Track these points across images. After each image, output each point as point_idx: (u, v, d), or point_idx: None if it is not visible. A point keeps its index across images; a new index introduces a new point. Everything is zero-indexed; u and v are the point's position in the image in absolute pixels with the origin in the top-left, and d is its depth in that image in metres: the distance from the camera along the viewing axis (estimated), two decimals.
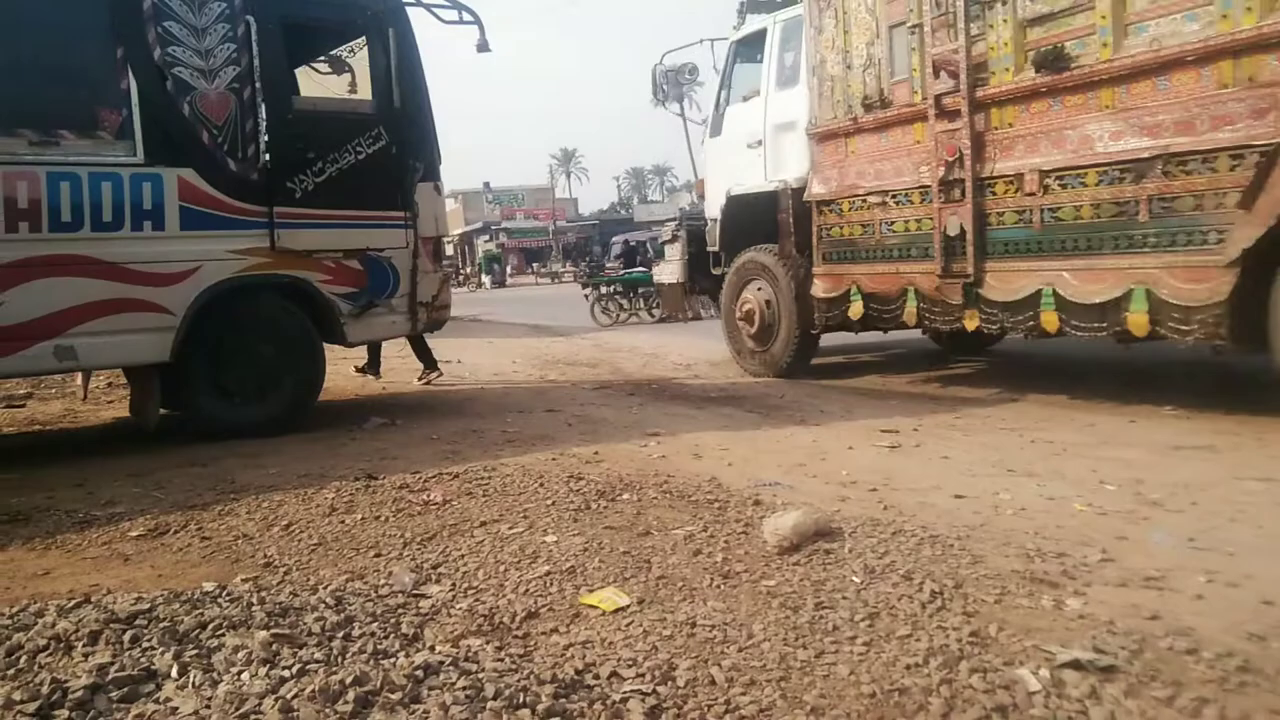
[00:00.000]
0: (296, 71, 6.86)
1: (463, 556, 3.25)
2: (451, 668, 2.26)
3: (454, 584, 2.99)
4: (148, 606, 2.69)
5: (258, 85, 5.79)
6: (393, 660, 2.34)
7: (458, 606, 2.77)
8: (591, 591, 2.86)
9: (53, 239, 5.23)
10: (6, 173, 5.09)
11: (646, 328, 14.67)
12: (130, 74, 5.44)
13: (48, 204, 5.19)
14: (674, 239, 9.99)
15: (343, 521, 3.80)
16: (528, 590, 2.89)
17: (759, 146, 8.15)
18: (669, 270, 10.02)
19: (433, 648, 2.45)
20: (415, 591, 2.92)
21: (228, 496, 4.30)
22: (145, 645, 2.43)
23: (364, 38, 6.44)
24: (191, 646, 2.42)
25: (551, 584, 2.94)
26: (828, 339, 8.06)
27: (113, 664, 2.30)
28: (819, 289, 7.30)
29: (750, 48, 8.48)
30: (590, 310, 16.33)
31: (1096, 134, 5.34)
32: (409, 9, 6.45)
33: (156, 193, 5.50)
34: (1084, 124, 5.40)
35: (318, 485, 4.38)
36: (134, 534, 3.78)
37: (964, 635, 2.40)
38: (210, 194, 5.67)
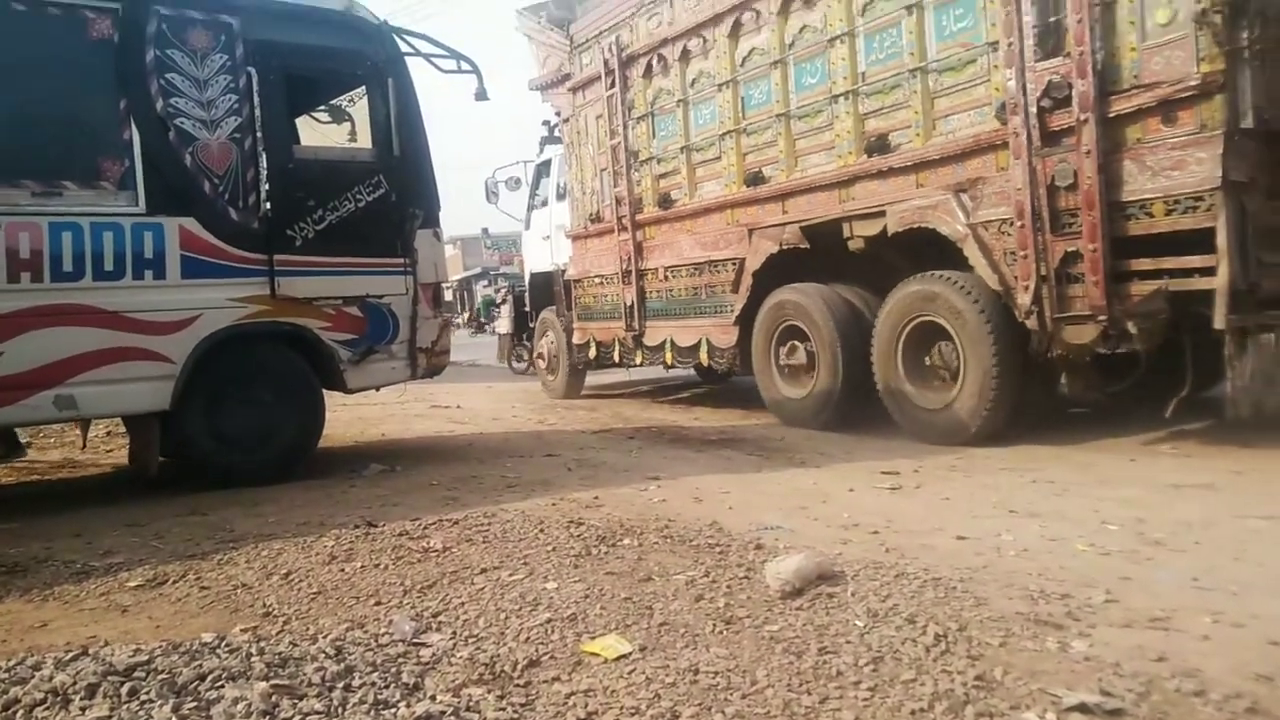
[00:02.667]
0: (297, 120, 6.94)
1: (463, 604, 3.23)
2: (453, 718, 2.24)
3: (455, 632, 2.96)
4: (146, 658, 2.67)
5: (259, 135, 5.85)
6: (394, 711, 2.32)
7: (459, 655, 2.75)
8: (593, 639, 2.83)
9: (54, 289, 5.25)
10: (9, 224, 5.12)
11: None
12: (133, 125, 5.50)
13: (49, 254, 5.22)
14: (505, 300, 13.67)
15: (342, 569, 3.78)
16: (529, 638, 2.86)
17: (547, 240, 11.55)
18: (503, 324, 13.80)
19: (434, 697, 2.42)
20: (416, 640, 2.89)
21: (227, 545, 4.27)
22: (144, 698, 2.40)
23: (364, 87, 6.52)
24: (190, 699, 2.40)
25: (553, 631, 2.91)
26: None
27: (110, 717, 2.28)
28: (576, 339, 10.27)
29: (543, 170, 11.94)
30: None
31: (686, 246, 8.47)
32: (408, 59, 6.54)
33: (158, 242, 5.53)
34: (681, 240, 8.55)
35: (317, 533, 4.36)
36: (132, 584, 3.76)
37: (969, 679, 2.38)
38: (211, 243, 5.70)
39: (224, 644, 2.84)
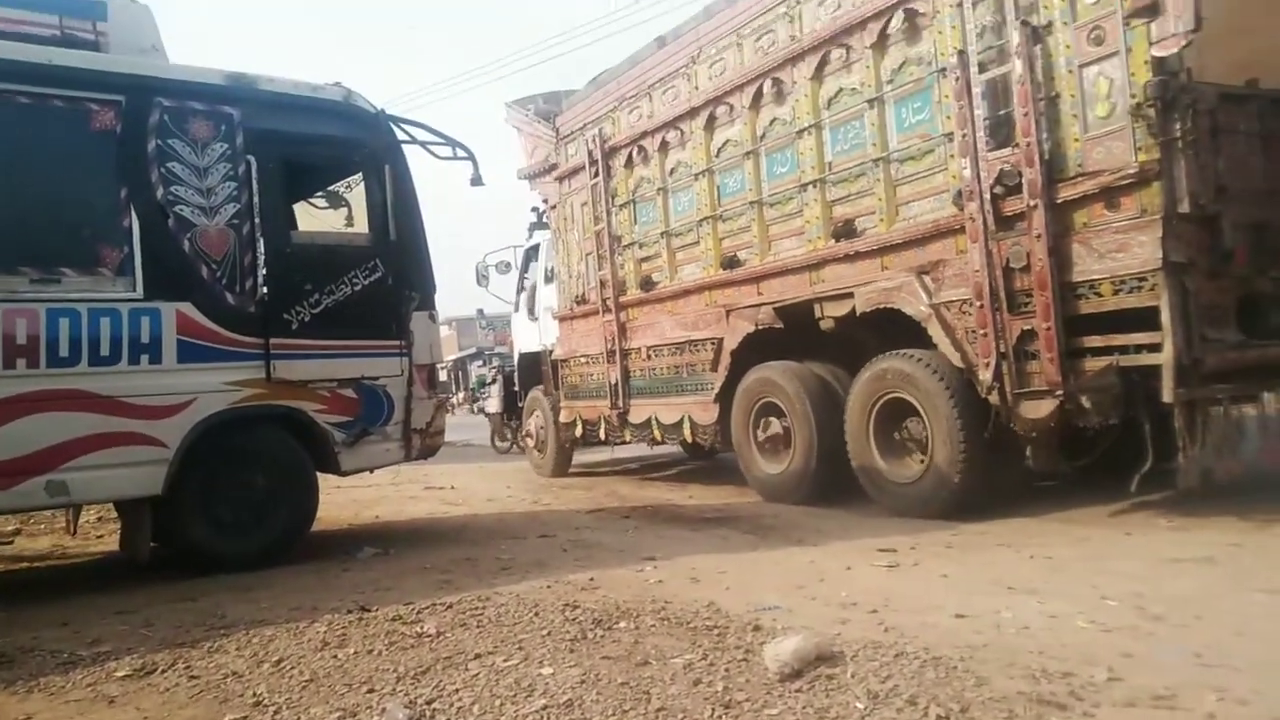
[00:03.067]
0: (295, 205, 7.04)
1: (457, 691, 3.18)
2: None
3: None
4: None
5: (257, 221, 5.94)
6: None
7: None
8: None
9: (50, 374, 5.26)
10: (6, 310, 5.16)
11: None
12: (133, 213, 5.58)
13: (46, 340, 5.25)
14: (494, 380, 13.96)
15: (335, 656, 3.73)
16: None
17: (535, 321, 11.87)
18: (492, 403, 13.99)
19: None
20: None
21: (217, 632, 4.21)
22: None
23: (361, 173, 6.64)
24: None
25: (549, 719, 2.87)
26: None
27: None
28: (563, 417, 10.44)
29: (531, 255, 12.26)
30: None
31: (667, 326, 8.76)
32: (405, 145, 6.68)
33: (155, 327, 5.57)
34: (662, 320, 8.84)
35: (310, 618, 4.31)
36: (120, 674, 3.69)
37: None
38: (208, 327, 5.75)
39: None
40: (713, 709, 2.85)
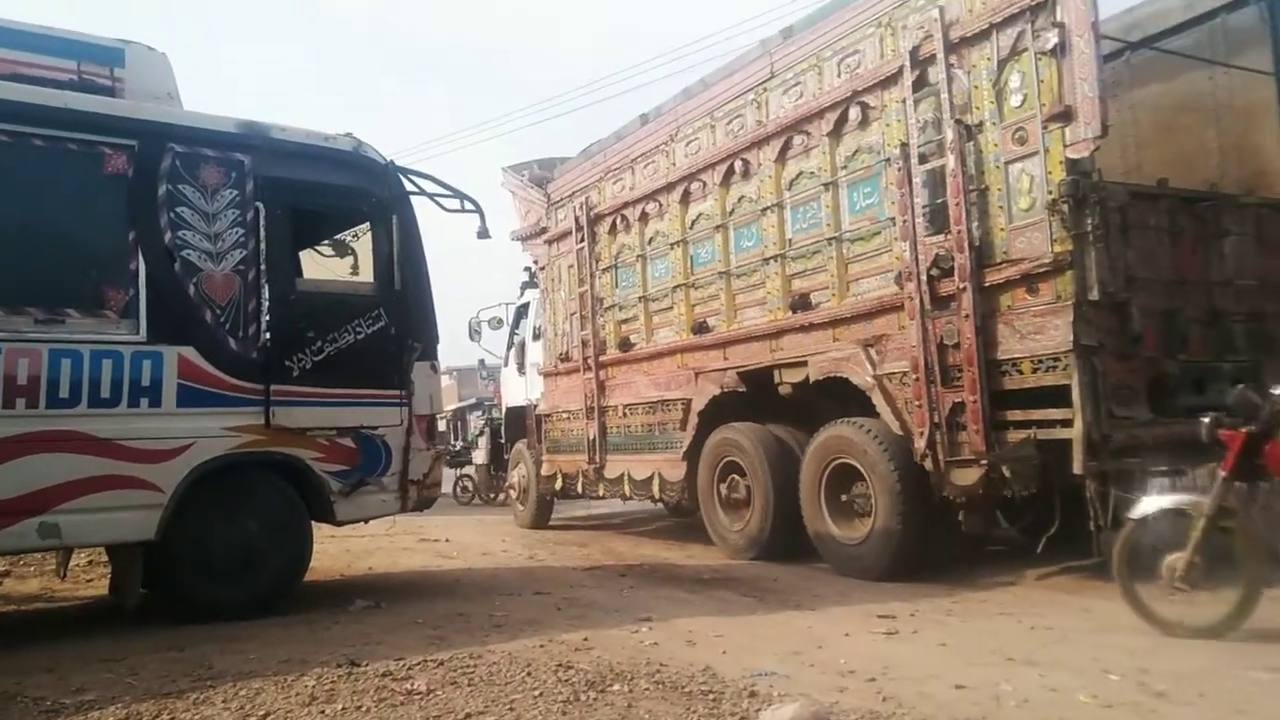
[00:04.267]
0: (301, 253, 7.08)
1: None
2: None
3: None
4: None
5: (262, 267, 5.97)
6: None
7: None
8: None
9: (48, 415, 5.24)
10: (9, 349, 5.16)
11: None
12: (140, 256, 5.60)
13: (46, 380, 5.24)
14: (482, 432, 14.43)
15: (323, 711, 3.66)
16: None
17: (523, 376, 12.27)
18: (480, 454, 14.50)
19: None
20: None
21: (204, 683, 4.14)
22: None
23: (369, 223, 6.68)
24: None
25: None
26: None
27: None
28: (544, 470, 10.78)
29: (522, 312, 12.73)
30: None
31: (642, 385, 9.15)
32: (413, 197, 6.73)
33: (156, 370, 5.56)
34: (638, 380, 9.24)
35: (298, 671, 4.24)
36: None
37: None
38: (209, 372, 5.74)
39: None
40: None
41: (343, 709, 3.67)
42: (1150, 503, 4.86)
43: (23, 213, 5.43)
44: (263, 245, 5.98)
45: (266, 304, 5.94)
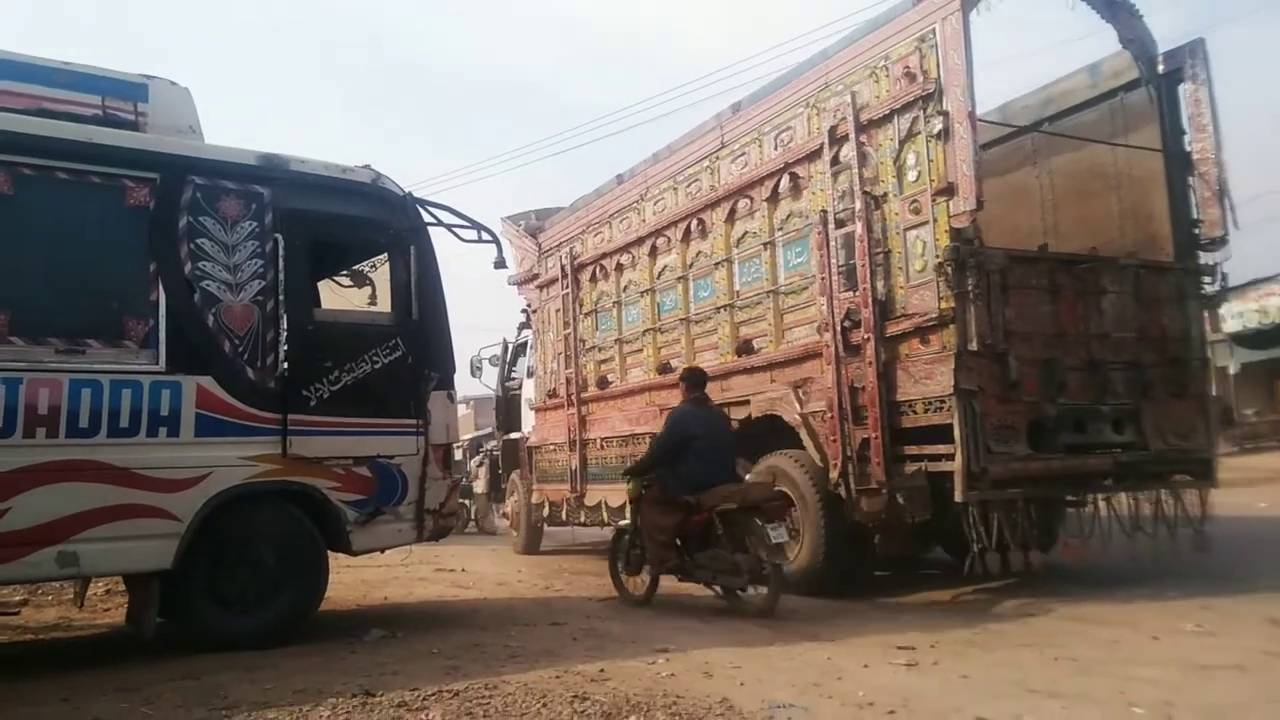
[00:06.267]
0: (319, 283, 7.13)
1: None
2: None
3: None
4: None
5: (281, 298, 6.00)
6: None
7: None
8: None
9: (67, 444, 5.27)
10: (30, 379, 5.21)
11: None
12: (160, 287, 5.65)
13: (67, 410, 5.27)
14: (482, 463, 14.94)
15: None
16: None
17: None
18: (480, 484, 14.95)
19: None
20: None
21: (220, 713, 4.13)
22: None
23: (387, 254, 6.73)
24: None
25: None
26: None
27: None
28: (534, 499, 11.70)
29: (520, 351, 13.56)
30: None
31: (617, 420, 10.02)
32: (431, 228, 6.78)
33: (175, 400, 5.59)
34: (613, 415, 10.12)
35: (314, 701, 4.22)
36: None
37: None
38: (227, 401, 5.76)
39: None
40: None
41: None
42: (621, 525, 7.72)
43: (46, 244, 5.49)
44: (281, 276, 6.03)
45: (285, 334, 5.97)
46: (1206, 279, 7.65)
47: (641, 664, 4.97)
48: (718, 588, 6.89)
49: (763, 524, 6.44)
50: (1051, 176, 8.57)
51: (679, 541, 6.92)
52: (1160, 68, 7.75)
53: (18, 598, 7.95)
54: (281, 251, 6.04)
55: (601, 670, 4.79)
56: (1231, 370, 24.04)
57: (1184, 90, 7.67)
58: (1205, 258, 7.63)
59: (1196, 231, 7.61)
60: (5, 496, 5.09)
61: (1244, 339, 23.53)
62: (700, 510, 6.72)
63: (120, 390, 5.45)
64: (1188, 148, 7.66)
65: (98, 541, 5.30)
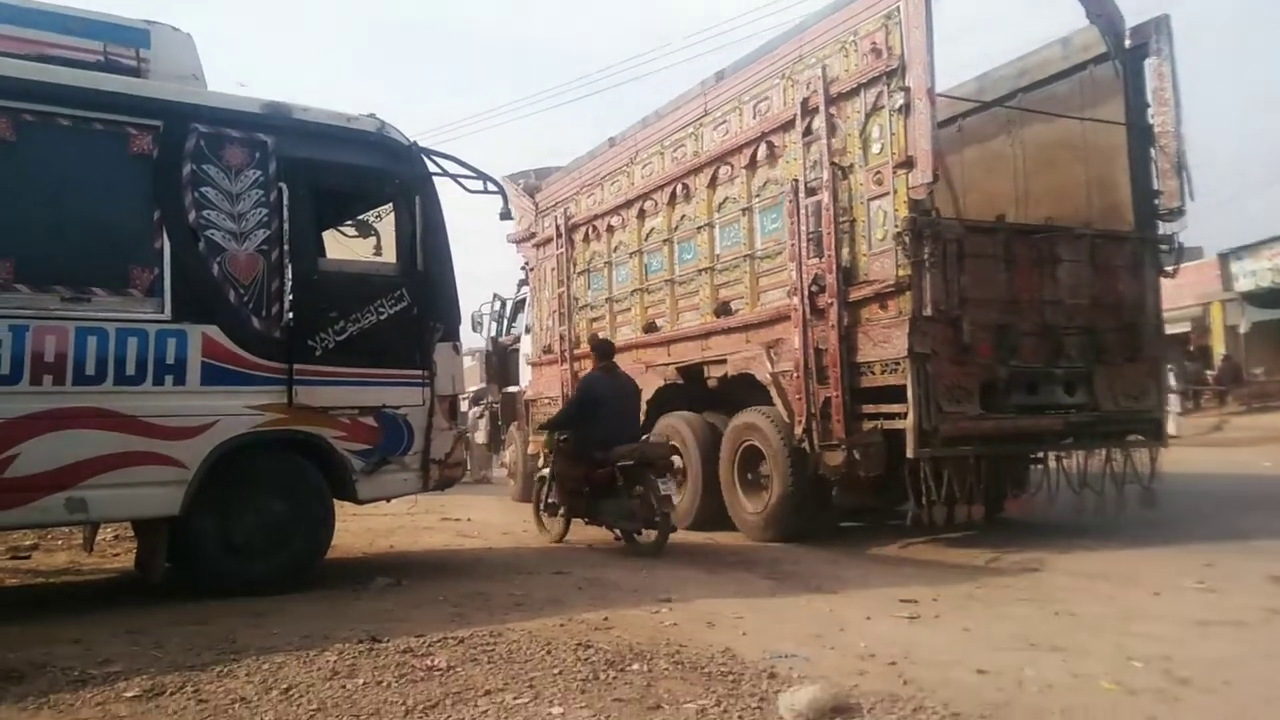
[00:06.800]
0: (324, 233, 7.09)
1: None
2: None
3: None
4: None
5: (286, 247, 5.97)
6: None
7: None
8: None
9: (74, 392, 5.29)
10: (37, 327, 5.21)
11: None
12: (165, 235, 5.63)
13: (73, 358, 5.29)
14: (482, 415, 15.19)
15: (344, 686, 3.69)
16: None
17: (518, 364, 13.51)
18: (480, 434, 15.23)
19: None
20: None
21: (227, 657, 4.18)
22: None
23: (392, 204, 6.68)
24: None
25: None
26: None
27: None
28: (530, 450, 11.77)
29: (519, 307, 13.91)
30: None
31: None
32: (436, 178, 6.72)
33: (180, 349, 5.60)
34: None
35: (320, 647, 4.27)
36: (129, 695, 3.67)
37: None
38: (232, 350, 5.77)
39: None
40: None
41: (364, 684, 3.70)
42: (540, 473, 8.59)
43: (49, 192, 5.46)
44: (286, 225, 5.99)
45: (290, 284, 5.95)
46: (1164, 248, 7.91)
47: (645, 613, 5.02)
48: (618, 531, 7.71)
49: (655, 478, 7.23)
50: (1024, 146, 8.84)
51: (587, 490, 7.75)
52: (1127, 42, 7.94)
53: (28, 542, 8.05)
54: (286, 200, 6.00)
55: (605, 619, 4.84)
56: (1242, 329, 23.87)
57: (1149, 65, 7.88)
58: (1164, 228, 7.89)
59: (1156, 202, 7.86)
60: (14, 443, 5.12)
61: (1255, 297, 23.27)
62: (605, 464, 7.50)
63: (126, 338, 5.45)
64: (1150, 120, 7.87)
65: (105, 488, 5.34)
